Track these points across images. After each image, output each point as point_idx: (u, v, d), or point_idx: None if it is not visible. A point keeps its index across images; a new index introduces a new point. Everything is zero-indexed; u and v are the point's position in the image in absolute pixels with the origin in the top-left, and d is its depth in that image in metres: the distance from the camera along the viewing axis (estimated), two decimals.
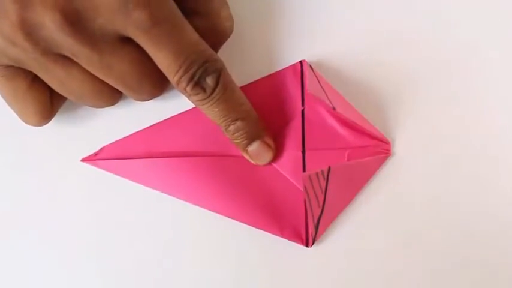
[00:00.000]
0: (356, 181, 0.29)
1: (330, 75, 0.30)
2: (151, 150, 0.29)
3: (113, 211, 0.29)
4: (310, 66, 0.29)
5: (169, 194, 0.29)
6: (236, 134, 0.27)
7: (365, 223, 0.29)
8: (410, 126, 0.30)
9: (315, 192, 0.27)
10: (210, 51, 0.25)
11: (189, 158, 0.29)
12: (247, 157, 0.28)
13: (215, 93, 0.25)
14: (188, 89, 0.25)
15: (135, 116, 0.30)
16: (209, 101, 0.25)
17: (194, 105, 0.27)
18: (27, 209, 0.29)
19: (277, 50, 0.30)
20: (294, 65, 0.30)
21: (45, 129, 0.28)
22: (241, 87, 0.29)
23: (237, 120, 0.26)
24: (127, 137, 0.29)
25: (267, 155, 0.28)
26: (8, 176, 0.30)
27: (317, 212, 0.27)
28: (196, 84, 0.25)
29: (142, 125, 0.29)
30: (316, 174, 0.26)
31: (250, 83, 0.30)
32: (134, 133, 0.29)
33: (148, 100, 0.27)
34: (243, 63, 0.30)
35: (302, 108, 0.28)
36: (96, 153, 0.29)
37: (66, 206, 0.29)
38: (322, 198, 0.27)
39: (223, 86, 0.25)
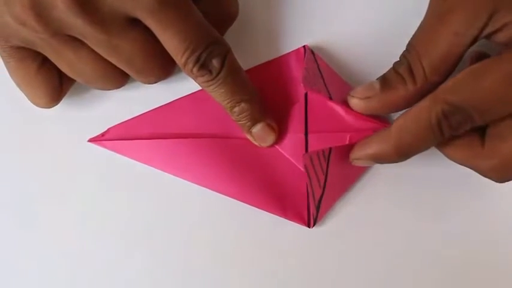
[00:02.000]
0: None
1: (333, 60, 0.30)
2: (157, 132, 0.30)
3: (119, 190, 0.30)
4: (312, 52, 0.30)
5: (174, 175, 0.29)
6: (240, 116, 0.27)
7: (367, 205, 0.30)
8: None
9: (316, 173, 0.27)
10: (216, 33, 0.26)
11: (193, 140, 0.29)
12: (250, 138, 0.29)
13: (220, 75, 0.26)
14: (194, 70, 0.25)
15: (142, 98, 0.30)
16: (215, 83, 0.26)
17: (199, 88, 0.27)
18: (36, 189, 0.30)
19: (281, 35, 0.31)
20: (297, 50, 0.30)
21: (53, 110, 0.29)
22: (246, 71, 0.29)
23: (241, 101, 0.27)
24: (133, 118, 0.30)
25: (270, 137, 0.28)
26: (17, 157, 0.30)
27: (318, 192, 0.28)
28: (202, 65, 0.25)
29: (148, 107, 0.30)
30: (317, 154, 0.27)
31: (255, 67, 0.30)
32: (140, 114, 0.30)
33: (155, 83, 0.28)
34: (247, 48, 0.30)
35: (305, 91, 0.28)
36: (103, 134, 0.30)
37: (74, 185, 0.30)
38: (323, 179, 0.28)
39: (228, 68, 0.26)
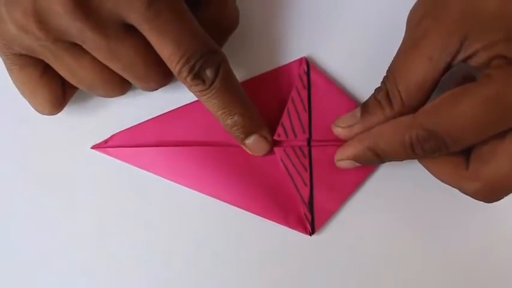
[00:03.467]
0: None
1: (333, 70, 0.31)
2: (161, 139, 0.30)
3: (121, 197, 0.30)
4: (308, 65, 0.30)
5: (177, 182, 0.30)
6: (234, 128, 0.27)
7: (368, 214, 0.30)
8: None
9: (296, 168, 0.29)
10: (212, 43, 0.26)
11: (197, 147, 0.29)
12: (244, 148, 0.29)
13: (214, 85, 0.26)
14: (188, 79, 0.25)
15: (145, 105, 0.30)
16: (208, 93, 0.26)
17: None
18: (38, 196, 0.30)
19: (280, 46, 0.31)
20: (297, 61, 0.30)
21: (56, 118, 0.29)
22: (245, 81, 0.30)
23: (235, 114, 0.27)
24: (137, 125, 0.30)
25: (264, 148, 0.29)
26: (19, 164, 0.30)
27: (305, 191, 0.29)
28: (196, 75, 0.25)
29: (151, 114, 0.30)
30: (293, 149, 0.29)
31: (254, 77, 0.30)
32: (144, 122, 0.30)
33: (156, 89, 0.28)
34: (246, 59, 0.30)
35: (308, 100, 0.29)
36: (106, 141, 0.30)
37: (76, 193, 0.30)
38: (308, 177, 0.29)
39: (222, 79, 0.26)
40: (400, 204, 0.30)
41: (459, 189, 0.26)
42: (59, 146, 0.30)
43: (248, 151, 0.29)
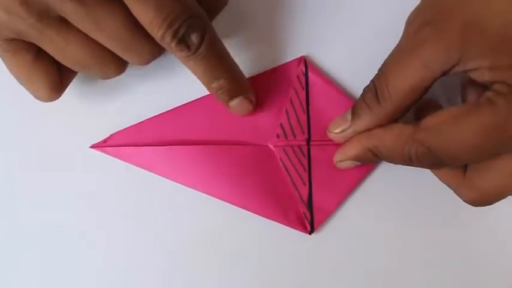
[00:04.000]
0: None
1: (331, 71, 0.31)
2: (159, 138, 0.30)
3: (120, 197, 0.30)
4: (306, 65, 0.30)
5: (176, 181, 0.30)
6: (219, 92, 0.27)
7: (367, 212, 0.30)
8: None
9: (295, 167, 0.29)
10: (197, 7, 0.25)
11: (196, 146, 0.29)
12: (226, 107, 0.28)
13: (199, 51, 0.25)
14: (172, 45, 0.24)
15: (145, 104, 0.30)
16: (193, 59, 0.25)
17: (204, 94, 0.28)
18: (37, 195, 0.30)
19: (279, 45, 0.31)
20: (295, 60, 0.31)
21: (55, 116, 0.29)
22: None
23: (220, 78, 0.26)
24: (136, 124, 0.30)
25: (247, 109, 0.29)
26: (18, 163, 0.30)
27: (304, 190, 0.29)
28: (181, 40, 0.24)
29: (151, 113, 0.30)
30: (293, 148, 0.29)
31: (253, 76, 0.30)
32: (143, 121, 0.30)
33: (151, 61, 0.27)
34: (244, 58, 0.31)
35: (306, 101, 0.29)
36: (105, 140, 0.30)
37: (75, 192, 0.30)
38: (307, 177, 0.29)
39: (208, 44, 0.25)
40: (399, 203, 0.31)
41: (454, 191, 0.27)
42: (58, 145, 0.30)
43: (230, 110, 0.29)
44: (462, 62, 0.24)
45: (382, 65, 0.26)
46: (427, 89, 0.25)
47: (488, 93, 0.24)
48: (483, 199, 0.26)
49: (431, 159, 0.25)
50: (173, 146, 0.30)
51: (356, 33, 0.31)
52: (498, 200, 0.26)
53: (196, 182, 0.30)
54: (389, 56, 0.26)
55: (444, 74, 0.25)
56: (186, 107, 0.30)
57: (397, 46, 0.26)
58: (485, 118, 0.24)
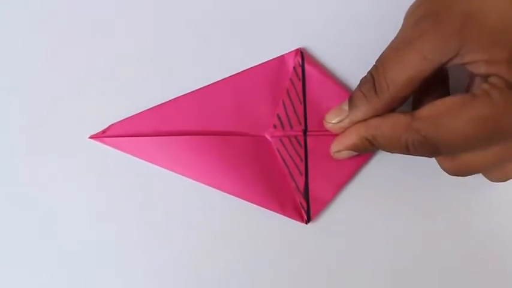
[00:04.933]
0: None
1: (328, 63, 0.31)
2: (158, 129, 0.30)
3: (119, 187, 0.30)
4: (303, 56, 0.30)
5: (175, 172, 0.30)
6: None
7: (365, 202, 0.31)
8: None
9: (292, 158, 0.30)
10: None
11: (194, 137, 0.30)
12: None
13: None
14: None
15: (143, 95, 0.30)
16: None
17: (202, 86, 0.28)
18: (37, 187, 0.30)
19: (276, 37, 0.31)
20: (292, 52, 0.31)
21: (54, 108, 0.29)
22: (241, 72, 0.30)
23: None
24: (135, 115, 0.30)
25: None
26: (18, 154, 0.30)
27: (301, 180, 0.30)
28: None
29: (150, 104, 0.30)
30: (289, 138, 0.29)
31: (250, 68, 0.31)
32: (141, 112, 0.30)
33: None
34: (241, 50, 0.31)
35: (302, 92, 0.30)
36: (104, 131, 0.30)
37: (75, 183, 0.30)
38: (304, 166, 0.30)
39: None
40: (395, 192, 0.31)
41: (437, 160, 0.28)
42: (56, 136, 0.30)
43: None
44: (460, 54, 0.24)
45: (380, 56, 0.26)
46: (425, 80, 0.25)
47: (485, 86, 0.24)
48: (459, 172, 0.27)
49: (427, 148, 0.25)
50: (171, 137, 0.30)
51: (353, 25, 0.31)
52: (471, 174, 0.27)
53: (194, 172, 0.30)
54: (388, 47, 0.26)
55: (442, 66, 0.25)
56: (184, 98, 0.30)
57: (395, 38, 0.26)
58: (480, 110, 0.24)
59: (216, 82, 0.30)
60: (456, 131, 0.24)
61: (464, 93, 0.25)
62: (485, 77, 0.24)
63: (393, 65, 0.26)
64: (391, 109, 0.27)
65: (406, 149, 0.26)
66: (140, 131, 0.30)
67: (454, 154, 0.27)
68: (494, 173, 0.28)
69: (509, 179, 0.28)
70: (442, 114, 0.25)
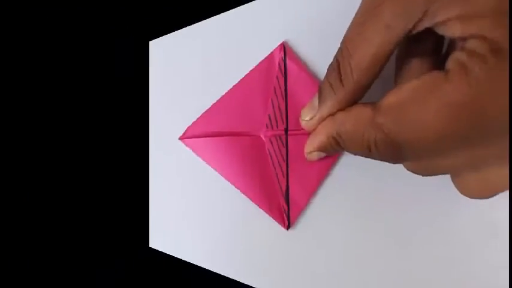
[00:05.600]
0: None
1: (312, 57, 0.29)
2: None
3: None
4: (285, 51, 0.29)
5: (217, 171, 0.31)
6: None
7: (343, 202, 0.29)
8: None
9: (277, 158, 0.29)
10: None
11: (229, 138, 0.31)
12: None
13: None
14: None
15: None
16: None
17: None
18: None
19: (260, 30, 0.31)
20: (277, 48, 0.30)
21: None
22: (238, 84, 0.30)
23: None
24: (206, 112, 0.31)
25: None
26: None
27: (283, 181, 0.29)
28: None
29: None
30: (276, 137, 0.28)
31: (244, 77, 0.30)
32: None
33: None
34: (228, 44, 0.31)
35: (284, 88, 0.29)
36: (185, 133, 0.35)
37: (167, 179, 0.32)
38: (285, 167, 0.29)
39: None
40: (371, 193, 0.29)
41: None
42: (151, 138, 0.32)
43: None
44: (429, 13, 0.20)
45: (344, 36, 0.23)
46: (389, 54, 0.21)
47: (460, 55, 0.19)
48: (421, 172, 0.22)
49: (390, 149, 0.21)
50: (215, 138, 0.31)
51: (336, 18, 0.28)
52: (438, 175, 0.22)
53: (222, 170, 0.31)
54: (350, 25, 0.23)
55: (409, 33, 0.21)
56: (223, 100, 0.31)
57: (356, 14, 0.23)
58: (454, 93, 0.19)
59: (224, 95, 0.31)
60: (423, 126, 0.20)
61: (433, 72, 0.20)
62: (462, 43, 0.19)
63: (358, 44, 0.22)
64: (354, 100, 0.23)
65: (368, 149, 0.22)
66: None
67: (422, 159, 0.21)
68: (468, 178, 0.21)
69: (489, 193, 0.19)
70: (408, 103, 0.20)
